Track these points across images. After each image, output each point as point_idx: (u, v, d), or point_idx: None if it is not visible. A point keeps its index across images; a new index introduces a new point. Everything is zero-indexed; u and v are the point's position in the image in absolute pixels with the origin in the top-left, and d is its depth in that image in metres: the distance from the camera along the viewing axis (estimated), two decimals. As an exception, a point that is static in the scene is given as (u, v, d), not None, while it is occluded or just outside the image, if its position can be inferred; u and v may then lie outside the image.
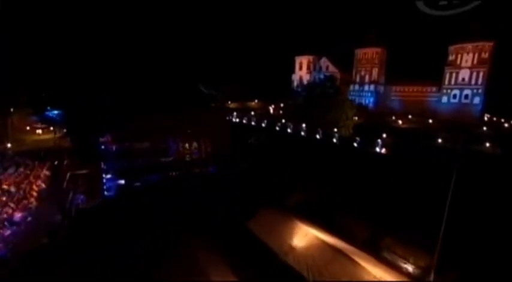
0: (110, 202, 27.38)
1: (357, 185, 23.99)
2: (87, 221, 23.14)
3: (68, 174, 32.46)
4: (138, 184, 29.29)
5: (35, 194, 28.39)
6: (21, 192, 28.05)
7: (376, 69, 74.36)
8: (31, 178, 31.78)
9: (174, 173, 32.54)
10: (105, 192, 28.29)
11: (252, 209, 22.51)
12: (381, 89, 75.62)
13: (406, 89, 71.67)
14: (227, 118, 45.70)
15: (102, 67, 50.03)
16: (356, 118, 47.15)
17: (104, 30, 59.35)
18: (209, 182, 30.48)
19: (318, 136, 29.81)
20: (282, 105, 76.39)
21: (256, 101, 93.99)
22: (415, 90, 68.99)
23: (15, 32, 49.85)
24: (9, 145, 44.18)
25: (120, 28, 64.83)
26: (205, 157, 36.55)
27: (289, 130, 33.16)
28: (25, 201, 26.33)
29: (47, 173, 34.40)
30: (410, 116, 63.36)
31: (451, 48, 62.56)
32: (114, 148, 33.24)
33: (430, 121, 60.30)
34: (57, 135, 48.93)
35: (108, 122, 38.79)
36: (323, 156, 27.74)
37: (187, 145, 36.16)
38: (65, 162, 37.07)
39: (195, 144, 36.40)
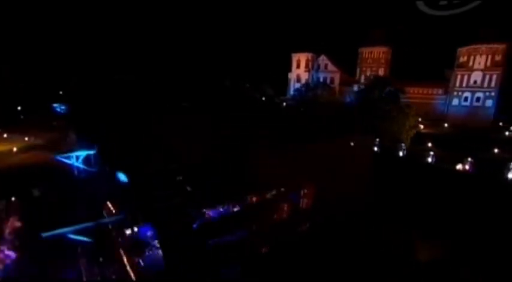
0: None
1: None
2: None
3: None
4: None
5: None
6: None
7: (383, 69, 70.89)
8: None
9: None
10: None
11: None
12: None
13: (412, 91, 68.89)
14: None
15: None
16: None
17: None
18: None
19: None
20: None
21: None
22: (422, 92, 66.50)
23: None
24: None
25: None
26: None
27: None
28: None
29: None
30: (420, 119, 60.57)
31: (462, 49, 60.73)
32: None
33: (446, 125, 57.98)
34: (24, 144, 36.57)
35: None
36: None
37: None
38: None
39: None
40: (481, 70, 58.60)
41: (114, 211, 18.37)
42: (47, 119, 45.33)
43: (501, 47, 56.85)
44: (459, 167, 27.33)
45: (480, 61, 58.57)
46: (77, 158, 22.77)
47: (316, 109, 39.30)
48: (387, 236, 18.85)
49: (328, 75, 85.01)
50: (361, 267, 17.19)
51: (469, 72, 59.90)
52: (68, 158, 22.67)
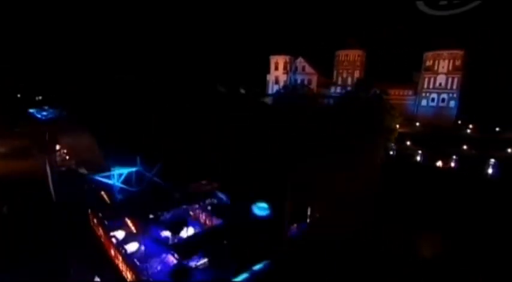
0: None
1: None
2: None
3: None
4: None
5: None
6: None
7: (358, 72, 74.65)
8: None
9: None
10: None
11: None
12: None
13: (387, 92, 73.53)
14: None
15: None
16: None
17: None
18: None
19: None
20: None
21: None
22: (394, 93, 71.10)
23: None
24: None
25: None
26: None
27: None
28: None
29: None
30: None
31: (428, 54, 66.23)
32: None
33: (417, 124, 62.78)
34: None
35: None
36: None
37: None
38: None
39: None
40: (445, 74, 64.46)
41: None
42: (13, 126, 40.76)
43: (460, 53, 63.10)
44: (439, 164, 30.35)
45: (443, 65, 64.40)
46: (118, 177, 19.80)
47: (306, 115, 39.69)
48: (388, 235, 19.87)
49: (306, 77, 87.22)
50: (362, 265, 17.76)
51: (434, 75, 65.53)
52: (109, 177, 19.63)
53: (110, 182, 19.80)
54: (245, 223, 18.20)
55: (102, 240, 18.38)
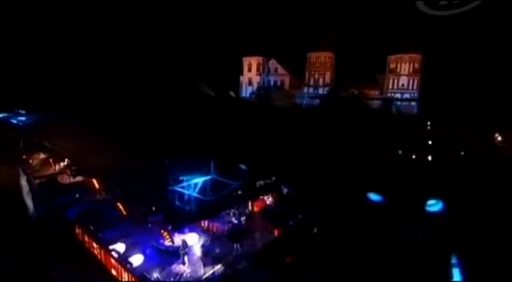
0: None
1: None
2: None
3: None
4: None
5: None
6: None
7: (329, 73, 77.68)
8: None
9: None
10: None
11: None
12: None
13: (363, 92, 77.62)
14: None
15: None
16: None
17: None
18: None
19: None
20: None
21: None
22: (364, 93, 75.51)
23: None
24: None
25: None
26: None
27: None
28: None
29: None
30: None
31: (391, 57, 71.71)
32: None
33: (385, 122, 67.24)
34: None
35: None
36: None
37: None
38: None
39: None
40: (406, 75, 70.33)
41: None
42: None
43: (418, 56, 69.48)
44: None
45: (405, 68, 70.28)
46: (194, 187, 17.48)
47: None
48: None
49: (279, 78, 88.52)
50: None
51: (397, 77, 71.10)
52: (184, 187, 17.68)
53: (186, 192, 17.76)
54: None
55: (99, 257, 15.52)
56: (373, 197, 20.00)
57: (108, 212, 19.18)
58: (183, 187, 18.03)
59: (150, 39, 73.20)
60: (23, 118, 32.45)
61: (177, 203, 17.62)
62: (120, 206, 18.05)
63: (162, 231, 15.85)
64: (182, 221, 16.93)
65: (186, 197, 17.62)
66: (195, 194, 18.07)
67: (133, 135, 27.08)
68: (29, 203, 18.72)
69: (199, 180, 18.27)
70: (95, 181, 21.28)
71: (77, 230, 17.45)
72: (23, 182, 19.46)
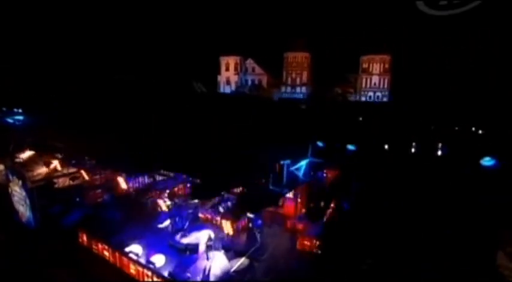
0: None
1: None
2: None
3: None
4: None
5: None
6: None
7: (306, 72, 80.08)
8: None
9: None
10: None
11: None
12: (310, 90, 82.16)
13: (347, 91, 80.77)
14: None
15: None
16: None
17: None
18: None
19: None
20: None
21: None
22: (348, 92, 79.10)
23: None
24: None
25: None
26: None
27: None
28: None
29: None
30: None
31: (364, 58, 75.94)
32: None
33: (360, 119, 71.15)
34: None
35: None
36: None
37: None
38: None
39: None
40: (378, 75, 74.96)
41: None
42: None
43: (387, 57, 74.53)
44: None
45: (376, 68, 74.84)
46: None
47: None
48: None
49: (256, 78, 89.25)
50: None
51: (370, 76, 75.49)
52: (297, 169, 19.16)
53: (299, 173, 19.03)
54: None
55: (111, 260, 14.58)
56: None
57: (110, 214, 18.39)
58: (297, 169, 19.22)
59: (150, 39, 70.42)
60: (20, 117, 29.87)
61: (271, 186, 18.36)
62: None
63: None
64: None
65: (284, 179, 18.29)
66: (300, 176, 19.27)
67: (133, 135, 25.86)
68: (22, 209, 17.03)
69: (303, 163, 19.31)
70: (83, 172, 20.19)
71: (80, 236, 16.49)
72: (15, 188, 17.63)
